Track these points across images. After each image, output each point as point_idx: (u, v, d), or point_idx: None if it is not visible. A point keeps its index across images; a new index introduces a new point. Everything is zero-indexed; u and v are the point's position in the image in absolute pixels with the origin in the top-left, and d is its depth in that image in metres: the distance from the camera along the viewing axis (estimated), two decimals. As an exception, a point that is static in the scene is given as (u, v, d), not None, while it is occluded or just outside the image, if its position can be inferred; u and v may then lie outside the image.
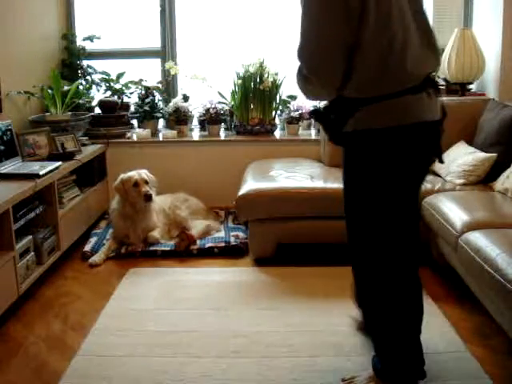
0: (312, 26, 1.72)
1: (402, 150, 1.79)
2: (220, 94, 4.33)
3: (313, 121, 4.28)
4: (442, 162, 1.94)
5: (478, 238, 2.36)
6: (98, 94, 4.35)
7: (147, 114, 4.26)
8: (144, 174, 3.52)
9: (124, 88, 4.32)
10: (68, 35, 4.35)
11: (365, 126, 1.77)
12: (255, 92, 4.15)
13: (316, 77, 1.73)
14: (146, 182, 3.48)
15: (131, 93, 4.35)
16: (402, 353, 1.96)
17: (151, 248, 3.44)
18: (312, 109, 2.08)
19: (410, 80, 1.77)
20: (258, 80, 4.13)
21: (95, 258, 3.31)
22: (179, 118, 4.22)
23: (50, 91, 3.80)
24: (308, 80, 1.76)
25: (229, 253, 3.41)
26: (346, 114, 1.79)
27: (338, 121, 1.82)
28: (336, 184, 3.26)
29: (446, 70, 4.02)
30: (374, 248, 1.90)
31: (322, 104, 2.00)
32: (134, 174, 3.49)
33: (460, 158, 3.33)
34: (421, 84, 1.80)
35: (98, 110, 4.26)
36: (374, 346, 2.04)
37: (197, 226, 3.63)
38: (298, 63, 1.77)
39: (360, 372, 2.10)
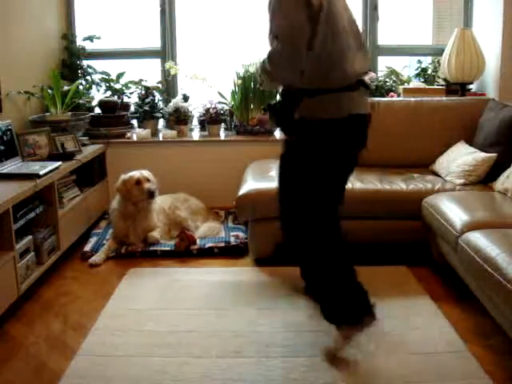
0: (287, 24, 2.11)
1: (337, 137, 2.21)
2: (220, 94, 4.33)
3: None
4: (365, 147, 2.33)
5: (478, 238, 2.36)
6: (98, 94, 4.35)
7: (147, 113, 4.26)
8: (145, 172, 3.53)
9: (124, 88, 4.32)
10: (68, 35, 4.35)
11: (310, 115, 2.19)
12: (255, 92, 4.15)
13: (290, 60, 2.12)
14: (148, 180, 3.49)
15: (131, 93, 4.35)
16: (342, 295, 2.28)
17: (151, 248, 3.44)
18: (266, 105, 2.42)
19: (347, 79, 2.18)
20: (258, 80, 4.12)
21: (95, 258, 3.31)
22: (179, 118, 4.22)
23: (49, 91, 3.80)
24: (280, 65, 2.15)
25: (229, 253, 3.41)
26: (295, 103, 2.20)
27: (288, 111, 2.23)
28: (336, 184, 3.26)
29: (446, 70, 4.03)
30: (305, 214, 2.31)
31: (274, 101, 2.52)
32: (135, 172, 3.50)
33: (460, 157, 3.33)
34: (355, 83, 2.21)
35: (98, 110, 4.26)
36: (320, 299, 2.39)
37: (200, 230, 3.64)
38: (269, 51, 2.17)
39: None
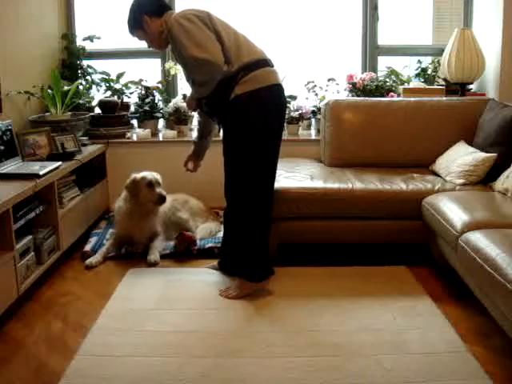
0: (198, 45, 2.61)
1: (264, 103, 2.68)
2: (220, 93, 4.32)
3: (313, 120, 4.29)
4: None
5: (478, 238, 2.36)
6: (98, 94, 4.35)
7: (147, 113, 4.26)
8: (157, 175, 3.47)
9: (124, 88, 4.33)
10: (68, 35, 4.35)
11: (242, 91, 2.63)
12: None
13: (217, 69, 2.60)
14: (159, 184, 3.44)
15: (131, 93, 4.35)
16: (259, 257, 2.84)
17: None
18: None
19: (251, 60, 2.69)
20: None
21: (92, 260, 3.29)
22: (179, 118, 4.22)
23: (50, 91, 3.80)
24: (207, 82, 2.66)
25: (229, 253, 3.41)
26: (230, 86, 2.64)
27: (224, 94, 2.66)
28: (336, 184, 3.26)
29: (446, 69, 4.03)
30: (244, 184, 2.75)
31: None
32: (147, 174, 3.43)
33: (460, 158, 3.33)
34: (259, 63, 2.70)
35: (98, 110, 4.26)
36: (241, 260, 2.88)
37: (200, 232, 3.63)
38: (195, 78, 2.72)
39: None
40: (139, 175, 3.43)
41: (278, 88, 2.75)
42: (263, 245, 2.87)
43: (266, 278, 2.85)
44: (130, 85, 4.33)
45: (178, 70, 4.29)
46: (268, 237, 2.92)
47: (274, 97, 2.74)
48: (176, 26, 2.62)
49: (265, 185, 2.82)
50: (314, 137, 4.17)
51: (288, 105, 4.28)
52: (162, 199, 3.39)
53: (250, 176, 2.74)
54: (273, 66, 2.78)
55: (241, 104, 2.65)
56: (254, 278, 2.84)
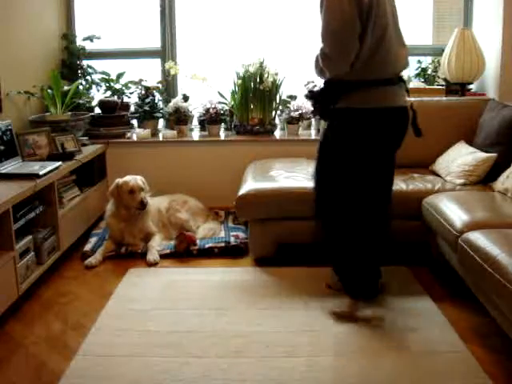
0: (337, 20, 2.29)
1: (379, 126, 2.43)
2: (220, 93, 4.33)
3: (313, 120, 4.28)
4: (419, 135, 2.59)
5: (478, 238, 2.35)
6: (98, 94, 4.35)
7: (147, 113, 4.26)
8: (140, 180, 3.48)
9: (124, 88, 4.33)
10: (68, 35, 4.35)
11: (355, 105, 2.40)
12: (255, 92, 4.15)
13: (341, 54, 2.32)
14: (142, 189, 3.45)
15: (131, 93, 4.35)
16: (356, 273, 2.64)
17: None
18: (308, 92, 2.66)
19: (391, 73, 2.44)
20: (257, 80, 4.13)
21: (91, 260, 3.29)
22: (179, 118, 4.22)
23: (49, 91, 3.80)
24: (331, 58, 2.34)
25: (229, 253, 3.41)
26: (340, 93, 2.42)
27: (331, 99, 2.45)
28: (336, 184, 3.26)
29: (446, 70, 4.03)
30: (345, 200, 2.54)
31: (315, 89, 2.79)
32: (130, 179, 3.45)
33: (460, 158, 3.33)
34: (396, 78, 2.47)
35: (98, 110, 4.26)
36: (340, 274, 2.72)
37: (201, 232, 3.64)
38: (321, 47, 2.36)
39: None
40: (122, 180, 3.46)
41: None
42: (356, 262, 2.66)
43: (362, 296, 2.67)
44: (129, 85, 4.33)
45: (177, 70, 4.29)
46: (378, 254, 2.68)
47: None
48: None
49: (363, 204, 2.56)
50: (313, 137, 4.17)
51: (288, 105, 4.30)
52: (142, 205, 3.41)
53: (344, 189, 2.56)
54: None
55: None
56: (350, 291, 2.71)
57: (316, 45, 2.44)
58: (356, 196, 2.53)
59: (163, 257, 3.37)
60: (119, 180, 3.47)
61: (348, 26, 2.28)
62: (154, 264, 3.28)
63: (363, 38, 2.31)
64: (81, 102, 4.09)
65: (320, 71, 2.45)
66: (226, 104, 4.29)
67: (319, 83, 4.25)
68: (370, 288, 2.76)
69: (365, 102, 2.39)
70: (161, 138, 4.23)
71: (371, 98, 2.39)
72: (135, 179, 3.47)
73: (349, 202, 2.55)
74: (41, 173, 2.95)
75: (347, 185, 2.53)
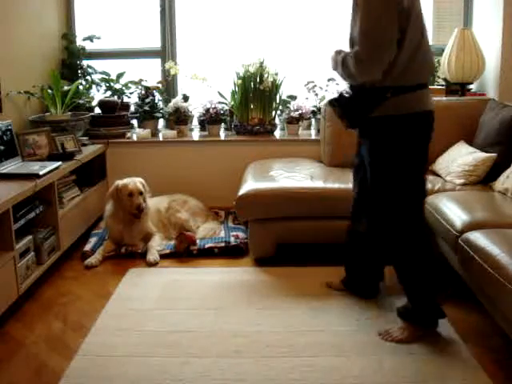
0: (374, 24, 2.16)
1: (420, 131, 2.34)
2: (220, 94, 4.33)
3: (313, 120, 4.28)
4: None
5: (478, 238, 2.35)
6: (98, 94, 4.35)
7: (147, 113, 4.26)
8: (139, 183, 3.46)
9: (124, 88, 4.32)
10: (68, 35, 4.35)
11: (395, 112, 2.26)
12: (255, 92, 4.15)
13: (375, 60, 2.17)
14: (141, 193, 3.43)
15: (131, 93, 4.35)
16: (428, 297, 2.39)
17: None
18: (333, 98, 2.46)
19: (425, 78, 2.35)
20: (257, 80, 4.13)
21: (91, 260, 3.29)
22: (179, 118, 4.22)
23: (50, 91, 3.80)
24: (364, 63, 2.18)
25: (229, 253, 3.41)
26: (374, 102, 2.27)
27: (364, 108, 2.30)
28: (336, 184, 3.27)
29: (446, 69, 4.02)
30: (399, 209, 2.36)
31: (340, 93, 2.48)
32: (129, 182, 3.43)
33: (460, 158, 3.33)
34: (426, 82, 2.36)
35: (98, 110, 4.26)
36: (407, 297, 2.44)
37: (202, 232, 3.64)
38: (356, 50, 2.19)
39: (391, 325, 2.44)
40: (121, 183, 3.45)
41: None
42: (425, 282, 2.41)
43: (435, 322, 2.42)
44: (130, 85, 4.33)
45: (177, 70, 4.29)
46: (432, 273, 2.43)
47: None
48: None
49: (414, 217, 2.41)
50: (313, 137, 4.17)
51: (288, 105, 4.30)
52: (139, 210, 3.40)
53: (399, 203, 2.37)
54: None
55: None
56: (418, 320, 2.41)
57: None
58: (413, 205, 2.39)
59: (163, 257, 3.37)
60: (119, 182, 3.47)
61: (386, 31, 2.15)
62: (154, 264, 3.28)
63: (402, 43, 2.19)
64: (81, 101, 4.09)
65: (349, 75, 2.28)
66: (226, 104, 4.29)
67: (319, 83, 4.27)
68: (371, 288, 2.76)
69: (409, 108, 2.28)
70: (161, 138, 4.23)
71: (412, 102, 2.29)
72: (134, 182, 3.45)
73: (409, 214, 2.38)
74: (41, 173, 2.95)
75: (407, 195, 2.36)
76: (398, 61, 2.21)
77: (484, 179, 3.20)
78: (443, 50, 4.06)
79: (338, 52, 2.34)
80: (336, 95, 2.45)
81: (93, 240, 3.57)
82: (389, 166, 2.34)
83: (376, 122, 2.31)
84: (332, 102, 2.45)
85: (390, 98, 2.25)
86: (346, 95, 2.39)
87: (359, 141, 2.53)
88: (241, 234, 3.58)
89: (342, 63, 2.28)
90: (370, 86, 2.28)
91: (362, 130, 2.43)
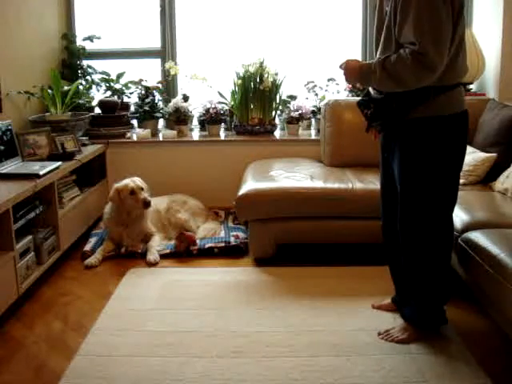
0: (434, 17, 1.98)
1: (459, 132, 2.21)
2: (220, 94, 4.33)
3: (313, 120, 4.28)
4: None
5: (478, 238, 2.35)
6: (98, 94, 4.35)
7: (147, 113, 4.26)
8: (138, 180, 3.47)
9: (124, 88, 4.33)
10: (68, 35, 4.35)
11: (434, 113, 2.12)
12: (255, 92, 4.15)
13: (440, 54, 2.00)
14: (142, 189, 3.44)
15: (131, 93, 4.36)
16: (437, 303, 2.35)
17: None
18: (365, 98, 2.29)
19: (462, 77, 2.21)
20: (257, 80, 4.13)
21: (91, 260, 3.29)
22: (179, 118, 4.22)
23: (50, 91, 3.80)
24: (426, 66, 2.00)
25: (229, 253, 3.41)
26: (415, 102, 2.11)
27: (403, 109, 2.13)
28: (336, 184, 3.27)
29: (445, 69, 4.02)
30: (429, 218, 2.23)
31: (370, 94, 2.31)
32: (128, 181, 3.44)
33: (460, 157, 3.33)
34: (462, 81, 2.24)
35: (98, 110, 4.26)
36: (415, 300, 2.36)
37: (202, 232, 3.64)
38: (413, 48, 2.00)
39: (392, 325, 2.43)
40: (121, 185, 3.44)
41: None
42: (438, 289, 2.34)
43: (438, 327, 2.40)
44: (130, 85, 4.33)
45: (177, 70, 4.29)
46: (447, 280, 2.37)
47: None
48: None
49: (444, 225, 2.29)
50: (313, 137, 4.17)
51: (288, 105, 4.30)
52: (146, 204, 3.40)
53: (430, 210, 2.23)
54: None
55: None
56: (422, 324, 2.38)
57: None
58: (447, 211, 2.28)
59: (163, 257, 3.37)
60: (117, 185, 3.46)
61: (445, 25, 1.99)
62: (154, 264, 3.28)
63: (453, 38, 2.06)
64: (81, 101, 4.09)
65: (417, 79, 2.03)
66: (226, 104, 4.30)
67: (319, 83, 4.27)
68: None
69: (452, 108, 2.15)
70: (161, 138, 4.23)
71: (454, 102, 2.16)
72: (133, 181, 3.45)
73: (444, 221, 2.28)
74: (41, 173, 2.95)
75: (444, 200, 2.24)
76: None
77: (484, 179, 3.20)
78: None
79: (372, 64, 2.12)
80: (365, 97, 2.29)
81: (93, 240, 3.57)
82: (428, 171, 2.18)
83: (414, 125, 2.15)
84: (365, 104, 2.27)
85: (433, 97, 2.10)
86: (378, 96, 2.20)
87: (387, 147, 2.33)
88: (241, 234, 3.59)
89: (391, 71, 2.05)
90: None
91: (394, 135, 2.25)
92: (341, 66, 2.25)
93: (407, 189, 2.23)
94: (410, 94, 2.09)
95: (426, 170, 2.18)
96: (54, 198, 3.11)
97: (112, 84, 4.32)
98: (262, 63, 4.14)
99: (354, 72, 2.20)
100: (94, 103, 4.27)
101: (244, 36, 4.37)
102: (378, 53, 2.22)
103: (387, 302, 2.65)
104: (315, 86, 4.27)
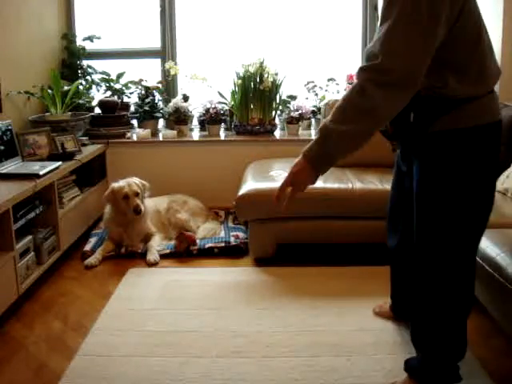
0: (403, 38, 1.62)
1: (491, 145, 1.81)
2: (220, 94, 4.33)
3: (313, 120, 4.28)
4: None
5: (477, 238, 2.35)
6: (98, 94, 4.35)
7: (147, 113, 4.26)
8: (134, 184, 3.44)
9: (124, 88, 4.33)
10: (68, 35, 4.35)
11: (462, 125, 1.75)
12: (255, 92, 4.15)
13: (407, 80, 1.63)
14: (137, 194, 3.42)
15: (131, 93, 4.36)
16: (450, 360, 1.97)
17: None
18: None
19: (492, 83, 1.87)
20: (257, 80, 4.13)
21: (91, 260, 3.29)
22: (179, 118, 4.22)
23: (50, 91, 3.80)
24: (392, 88, 1.65)
25: (229, 253, 3.41)
26: (439, 112, 1.75)
27: (425, 121, 1.77)
28: (336, 184, 3.27)
29: (446, 69, 4.02)
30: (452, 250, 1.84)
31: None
32: (124, 185, 3.42)
33: (460, 157, 3.32)
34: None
35: (98, 110, 4.26)
36: (422, 350, 2.00)
37: (202, 232, 3.64)
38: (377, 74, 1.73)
39: (394, 379, 2.08)
40: (117, 186, 3.43)
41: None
42: (454, 341, 1.97)
43: None
44: (130, 85, 4.33)
45: (177, 70, 4.29)
46: (464, 330, 1.99)
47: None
48: None
49: (469, 260, 1.89)
50: (313, 137, 4.15)
51: (288, 105, 4.30)
52: (137, 212, 3.38)
53: (455, 244, 1.83)
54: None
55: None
56: (430, 382, 1.98)
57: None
58: (473, 248, 1.88)
59: (163, 257, 3.37)
60: (114, 185, 3.45)
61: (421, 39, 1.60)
62: (154, 264, 3.28)
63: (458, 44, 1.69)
64: (81, 101, 4.09)
65: (385, 98, 1.68)
66: (226, 104, 4.30)
67: (319, 83, 4.27)
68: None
69: (482, 118, 1.78)
70: (161, 138, 4.23)
71: (485, 111, 1.82)
72: (130, 184, 3.42)
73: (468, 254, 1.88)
74: (41, 173, 2.95)
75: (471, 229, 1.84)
76: (468, 66, 1.75)
77: (484, 179, 3.20)
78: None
79: (317, 132, 1.91)
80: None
81: (93, 240, 3.57)
82: (454, 196, 1.78)
83: (439, 139, 1.77)
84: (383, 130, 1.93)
85: (460, 106, 1.74)
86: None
87: (406, 158, 2.03)
88: (241, 234, 3.58)
89: (347, 111, 1.84)
90: (432, 93, 1.75)
91: (413, 151, 1.89)
92: (286, 184, 1.93)
93: (426, 215, 1.85)
94: (430, 101, 1.76)
95: (451, 195, 1.78)
96: (54, 198, 3.11)
97: (112, 84, 4.32)
98: (261, 63, 4.14)
99: (302, 169, 1.90)
100: (94, 103, 4.27)
101: (244, 36, 4.37)
102: None
103: (386, 309, 2.58)
104: (315, 85, 4.28)
